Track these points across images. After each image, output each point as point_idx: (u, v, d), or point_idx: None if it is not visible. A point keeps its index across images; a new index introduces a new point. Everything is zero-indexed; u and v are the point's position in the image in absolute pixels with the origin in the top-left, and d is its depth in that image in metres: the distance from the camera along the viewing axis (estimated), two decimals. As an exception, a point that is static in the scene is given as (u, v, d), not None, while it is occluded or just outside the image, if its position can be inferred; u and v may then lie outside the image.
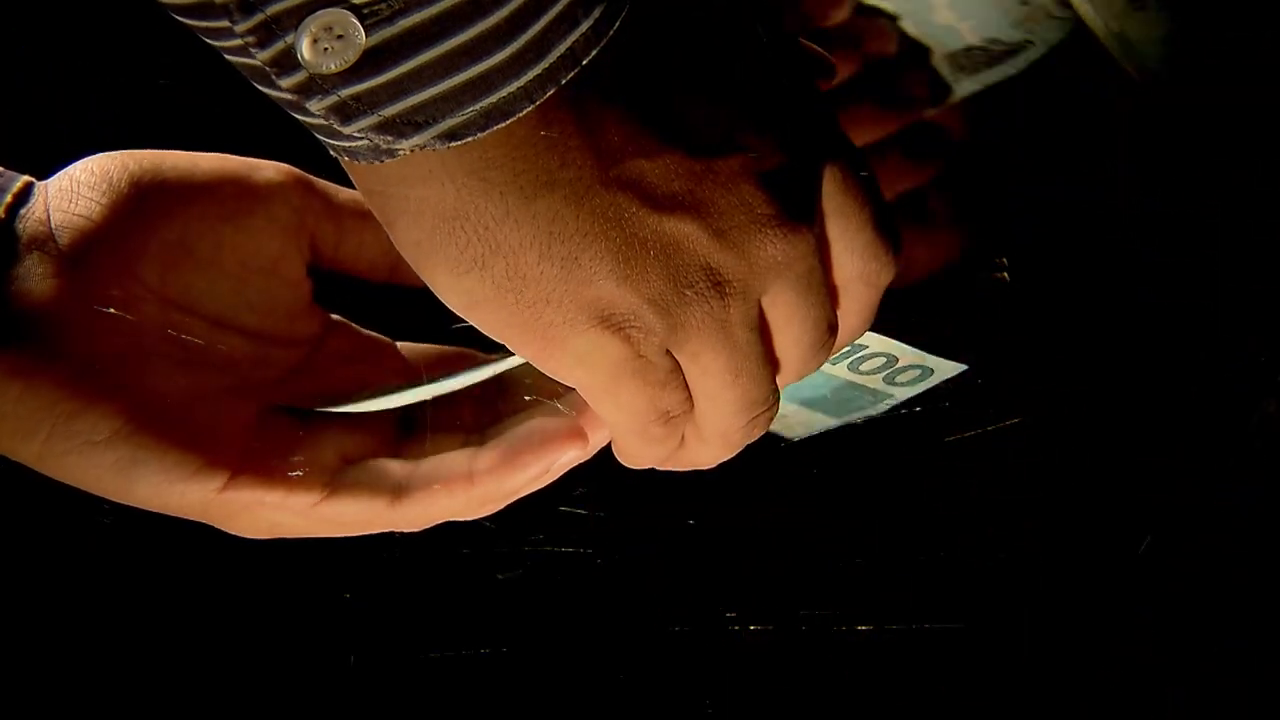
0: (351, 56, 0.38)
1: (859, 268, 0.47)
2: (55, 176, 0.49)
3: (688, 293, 0.44)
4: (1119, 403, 0.79)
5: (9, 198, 0.47)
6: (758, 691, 0.77)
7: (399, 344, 0.55)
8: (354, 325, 0.54)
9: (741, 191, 0.43)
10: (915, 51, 0.65)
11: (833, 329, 0.47)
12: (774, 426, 0.64)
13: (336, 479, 0.49)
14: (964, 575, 0.77)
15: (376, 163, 0.40)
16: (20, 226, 0.47)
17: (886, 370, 0.56)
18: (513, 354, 0.49)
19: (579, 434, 0.48)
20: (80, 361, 0.46)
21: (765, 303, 0.45)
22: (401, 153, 0.40)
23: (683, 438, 0.49)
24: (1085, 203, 0.78)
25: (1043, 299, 0.78)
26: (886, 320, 0.58)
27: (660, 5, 0.42)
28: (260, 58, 0.38)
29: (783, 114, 0.44)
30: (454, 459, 0.49)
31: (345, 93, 0.38)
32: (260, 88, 0.40)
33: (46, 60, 0.77)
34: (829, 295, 0.47)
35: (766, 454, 0.79)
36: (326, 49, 0.37)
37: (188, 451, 0.48)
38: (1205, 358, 0.78)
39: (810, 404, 0.65)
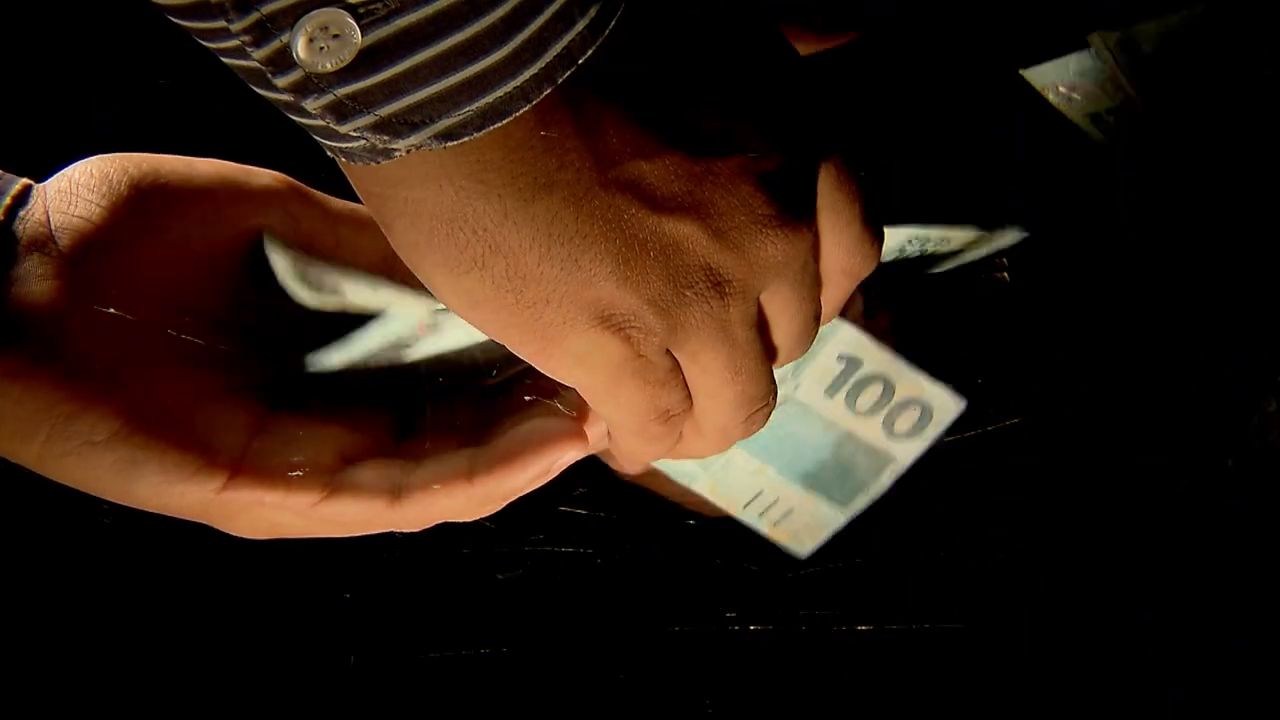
0: (347, 56, 0.38)
1: (844, 261, 0.47)
2: (53, 178, 0.49)
3: (688, 293, 0.44)
4: (1119, 403, 0.79)
5: (8, 200, 0.47)
6: (758, 691, 0.77)
7: None
8: None
9: (741, 191, 0.43)
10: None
11: (818, 318, 0.48)
12: (785, 541, 0.64)
13: (336, 479, 0.49)
14: (964, 575, 0.77)
15: (374, 163, 0.40)
16: (19, 228, 0.47)
17: (884, 409, 0.56)
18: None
19: (579, 434, 0.48)
20: (79, 363, 0.46)
21: (762, 299, 0.45)
22: (399, 153, 0.40)
23: (680, 433, 0.49)
24: (1085, 203, 0.78)
25: (1043, 299, 0.78)
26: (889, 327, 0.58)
27: (656, 5, 0.42)
28: (256, 57, 0.38)
29: (779, 112, 0.44)
30: (453, 460, 0.49)
31: (341, 92, 0.38)
32: (257, 89, 0.40)
33: (46, 60, 0.77)
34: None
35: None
36: (322, 48, 0.37)
37: (187, 452, 0.47)
38: (1205, 358, 0.78)
39: (814, 482, 0.65)
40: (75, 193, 0.48)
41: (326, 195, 0.52)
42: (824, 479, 0.62)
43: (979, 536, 0.78)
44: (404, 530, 0.50)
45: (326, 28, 0.37)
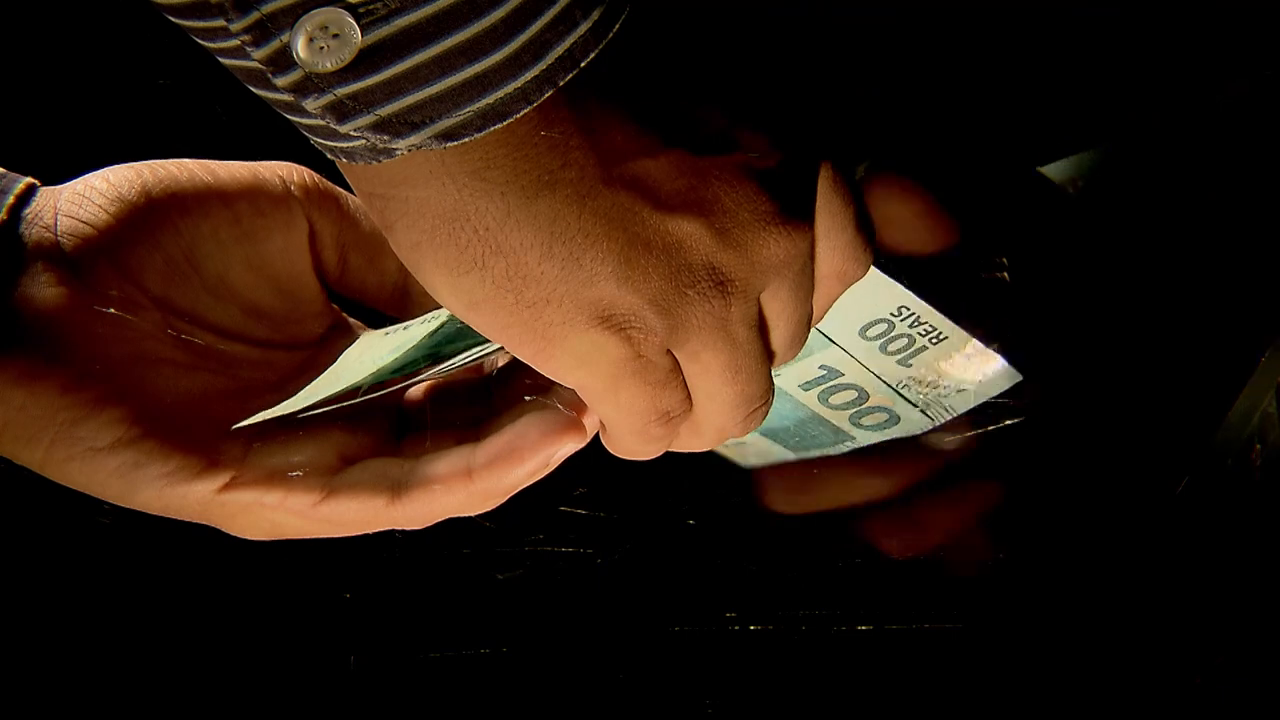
0: (347, 55, 0.38)
1: (838, 265, 0.47)
2: (71, 182, 0.49)
3: (689, 292, 0.44)
4: (1119, 403, 0.79)
5: (11, 199, 0.47)
6: (758, 691, 0.77)
7: None
8: (356, 323, 0.54)
9: (744, 190, 0.43)
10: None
11: (810, 321, 0.48)
12: (728, 453, 0.64)
13: (336, 479, 0.49)
14: (964, 575, 0.77)
15: (374, 163, 0.40)
16: (26, 231, 0.47)
17: (855, 409, 0.57)
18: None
19: (576, 426, 0.48)
20: (82, 368, 0.46)
21: (762, 299, 0.45)
22: (399, 152, 0.39)
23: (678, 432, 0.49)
24: (1085, 203, 0.78)
25: (1043, 299, 0.78)
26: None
27: (658, 7, 0.42)
28: (256, 57, 0.38)
29: (778, 114, 0.44)
30: (452, 456, 0.49)
31: (341, 91, 0.38)
32: (255, 90, 0.40)
33: (46, 61, 0.77)
34: None
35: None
36: (322, 48, 0.37)
37: (189, 455, 0.48)
38: (1206, 357, 0.78)
39: (772, 434, 0.65)
40: (87, 197, 0.48)
41: (360, 205, 0.52)
42: (782, 436, 0.62)
43: (979, 536, 0.78)
44: (405, 529, 0.50)
45: (326, 27, 0.37)
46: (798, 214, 0.44)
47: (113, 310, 0.47)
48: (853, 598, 0.77)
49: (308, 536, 0.50)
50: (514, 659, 0.77)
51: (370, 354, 0.47)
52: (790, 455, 0.60)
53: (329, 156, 0.41)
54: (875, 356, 0.54)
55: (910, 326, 0.53)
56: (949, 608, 0.77)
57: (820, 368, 0.53)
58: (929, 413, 0.56)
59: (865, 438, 0.58)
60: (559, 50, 0.39)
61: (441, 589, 0.78)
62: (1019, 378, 0.55)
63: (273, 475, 0.48)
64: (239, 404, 0.49)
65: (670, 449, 0.50)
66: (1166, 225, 0.78)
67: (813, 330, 0.48)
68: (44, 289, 0.46)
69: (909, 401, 0.56)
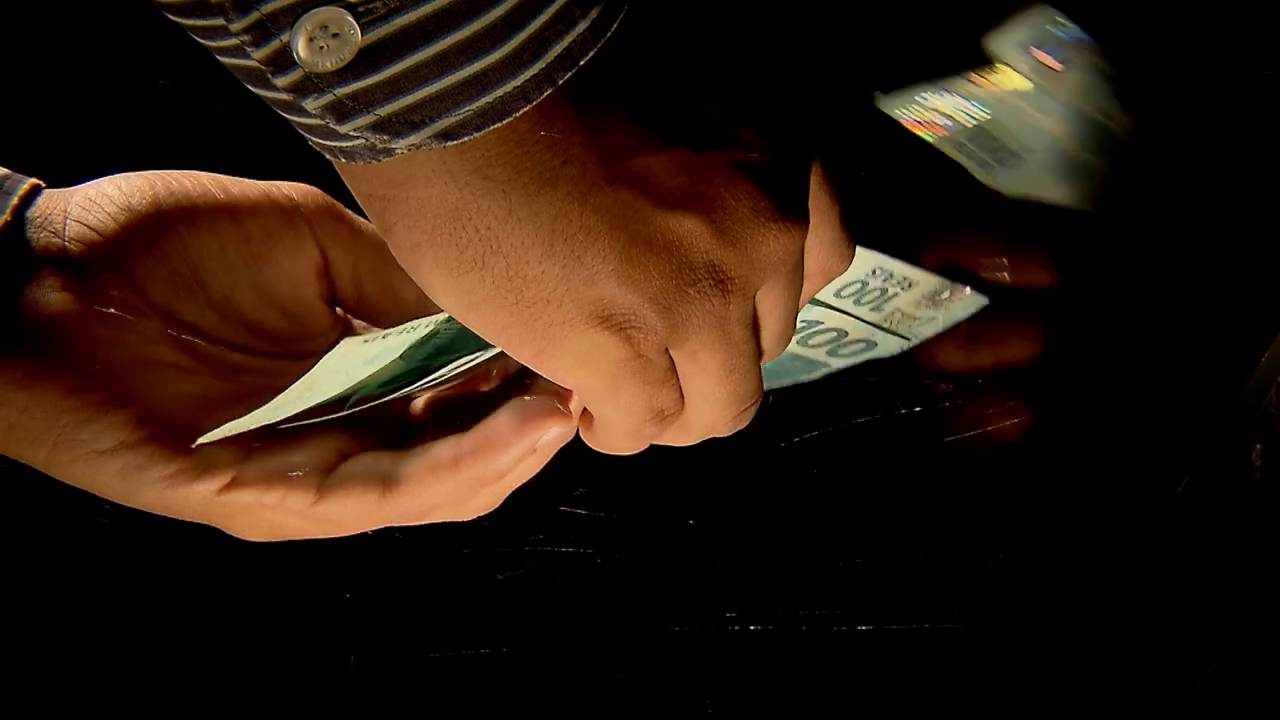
0: (347, 55, 0.37)
1: (822, 262, 0.47)
2: (83, 186, 0.49)
3: (690, 291, 0.44)
4: (1119, 403, 0.79)
5: (15, 199, 0.47)
6: (758, 691, 0.77)
7: None
8: (362, 324, 0.54)
9: (742, 187, 0.43)
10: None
11: (796, 318, 0.48)
12: None
13: (329, 477, 0.49)
14: (964, 575, 0.77)
15: (373, 162, 0.40)
16: (32, 234, 0.47)
17: (832, 344, 0.57)
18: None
19: (560, 413, 0.48)
20: (85, 372, 0.46)
21: (756, 297, 0.45)
22: (398, 152, 0.39)
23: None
24: (1085, 203, 0.78)
25: (1043, 298, 0.78)
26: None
27: (657, 6, 0.42)
28: (256, 57, 0.38)
29: (770, 110, 0.44)
30: (439, 446, 0.49)
31: (341, 91, 0.38)
32: (254, 89, 0.40)
33: (47, 61, 0.77)
34: None
35: (766, 454, 0.79)
36: (322, 47, 0.37)
37: (190, 457, 0.48)
38: (1206, 358, 0.78)
39: None
40: (98, 203, 0.48)
41: (373, 230, 0.52)
42: None
43: (979, 536, 0.78)
44: (402, 524, 0.50)
45: (326, 26, 0.37)
46: (794, 211, 0.44)
47: (114, 310, 0.47)
48: (853, 598, 0.77)
49: (308, 536, 0.50)
50: (514, 659, 0.77)
51: (346, 363, 0.47)
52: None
53: (327, 157, 0.41)
54: (849, 307, 0.55)
55: (883, 281, 0.53)
56: (949, 608, 0.77)
57: (801, 321, 0.53)
58: (904, 333, 0.57)
59: (840, 364, 0.58)
60: (558, 49, 0.39)
61: (441, 589, 0.78)
62: (984, 301, 0.55)
63: (272, 475, 0.48)
64: (242, 409, 0.49)
65: (663, 442, 0.50)
66: (1167, 225, 0.78)
67: None
68: (48, 292, 0.46)
69: (885, 331, 0.56)
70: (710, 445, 0.51)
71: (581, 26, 0.39)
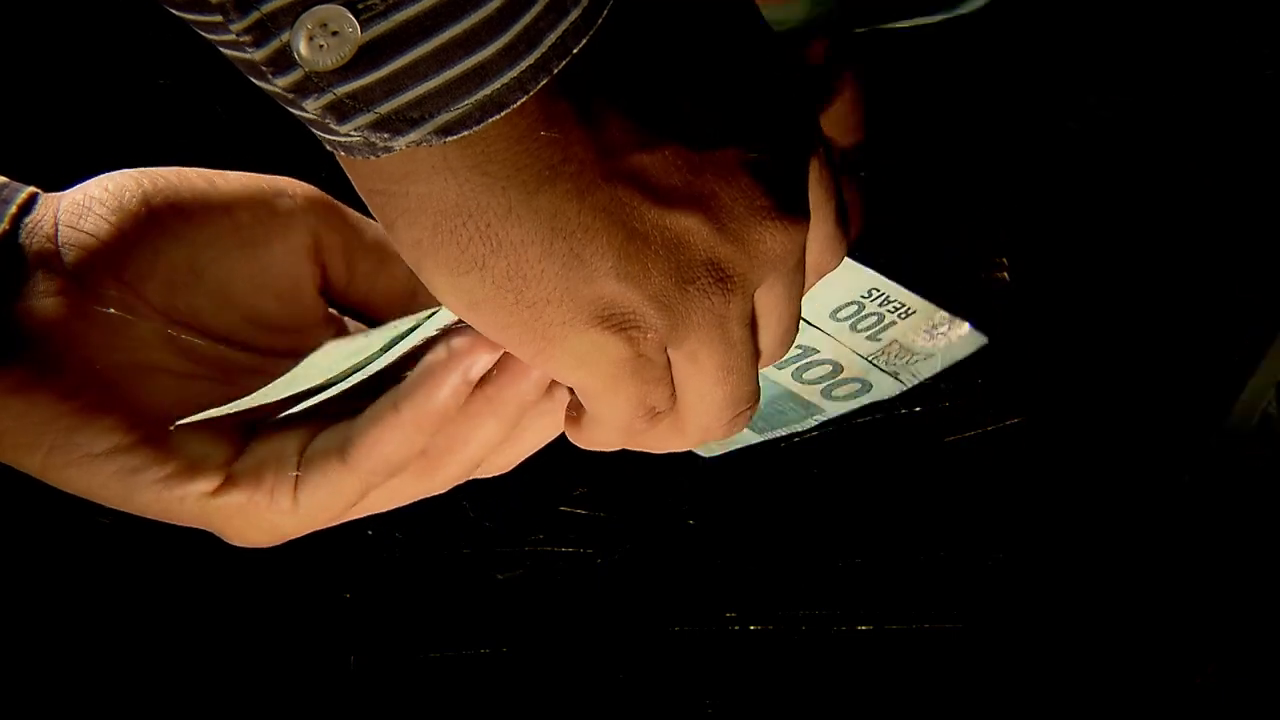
0: (347, 52, 0.37)
1: (815, 259, 0.47)
2: (70, 190, 0.49)
3: (690, 289, 0.43)
4: (1119, 403, 0.79)
5: (13, 208, 0.47)
6: (758, 691, 0.77)
7: None
8: (357, 326, 0.54)
9: (740, 183, 0.43)
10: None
11: (798, 322, 0.48)
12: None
13: (301, 464, 0.49)
14: (964, 575, 0.77)
15: (373, 157, 0.40)
16: (26, 241, 0.47)
17: (827, 382, 0.56)
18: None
19: (483, 342, 0.48)
20: (80, 377, 0.46)
21: (756, 296, 0.45)
22: (398, 149, 0.39)
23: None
24: (1085, 204, 0.78)
25: (1043, 299, 0.78)
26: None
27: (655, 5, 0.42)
28: (256, 57, 0.38)
29: (769, 106, 0.44)
30: (382, 398, 0.48)
31: (341, 90, 0.38)
32: (255, 81, 0.40)
33: (47, 61, 0.77)
34: None
35: (766, 454, 0.79)
36: (322, 45, 0.37)
37: (186, 457, 0.48)
38: (1206, 359, 0.78)
39: None
40: (88, 206, 0.48)
41: (363, 219, 0.52)
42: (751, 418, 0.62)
43: (979, 536, 0.78)
44: (376, 505, 0.50)
45: (326, 24, 0.37)
46: (794, 208, 0.44)
47: (114, 311, 0.47)
48: (853, 598, 0.77)
49: (304, 532, 0.50)
50: (514, 659, 0.77)
51: (329, 359, 0.47)
52: (755, 438, 0.60)
53: (328, 149, 0.41)
54: (845, 334, 0.54)
55: (880, 305, 0.53)
56: (949, 608, 0.77)
57: (797, 347, 0.53)
58: (900, 378, 0.57)
59: (835, 409, 0.58)
60: (551, 38, 0.39)
61: (441, 589, 0.78)
62: (984, 340, 0.55)
63: (262, 474, 0.48)
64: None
65: (649, 449, 0.50)
66: (1167, 225, 0.78)
67: None
68: (43, 298, 0.46)
69: (881, 370, 0.56)
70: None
71: (573, 15, 0.39)
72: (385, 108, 0.39)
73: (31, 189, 0.48)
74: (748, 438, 0.62)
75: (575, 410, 0.49)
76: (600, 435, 0.49)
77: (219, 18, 0.38)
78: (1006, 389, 0.78)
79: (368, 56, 0.38)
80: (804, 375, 0.56)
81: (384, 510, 0.52)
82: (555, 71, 0.39)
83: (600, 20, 0.40)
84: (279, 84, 0.38)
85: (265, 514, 0.49)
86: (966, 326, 0.55)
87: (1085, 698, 0.76)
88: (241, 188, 0.50)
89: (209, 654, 0.77)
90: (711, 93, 0.44)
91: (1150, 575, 0.77)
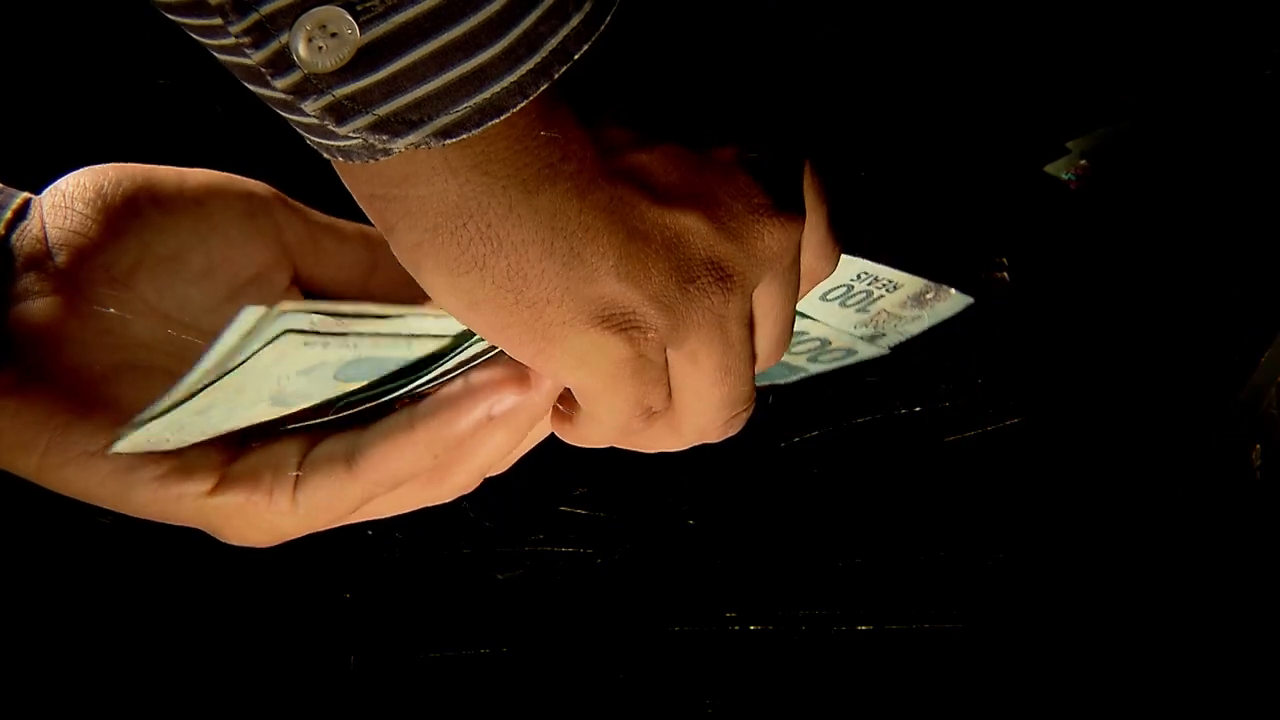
0: (346, 54, 0.38)
1: (810, 263, 0.47)
2: (46, 191, 0.49)
3: (690, 288, 0.44)
4: (1118, 403, 0.79)
5: (9, 214, 0.47)
6: (758, 691, 0.77)
7: None
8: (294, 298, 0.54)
9: (738, 182, 0.43)
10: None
11: (793, 324, 0.48)
12: None
13: (303, 465, 0.49)
14: (964, 575, 0.77)
15: (371, 161, 0.40)
16: (18, 244, 0.47)
17: (813, 352, 0.57)
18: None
19: (519, 378, 0.47)
20: (74, 376, 0.46)
21: (754, 296, 0.45)
22: (397, 151, 0.39)
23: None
24: (1084, 203, 0.78)
25: (1043, 299, 0.78)
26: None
27: (649, 5, 0.42)
28: (255, 58, 0.38)
29: (764, 108, 0.45)
30: (398, 414, 0.48)
31: (340, 92, 0.38)
32: (252, 88, 0.40)
33: (47, 60, 0.77)
34: None
35: (766, 454, 0.79)
36: (321, 47, 0.37)
37: (180, 457, 0.48)
38: (1205, 359, 0.78)
39: None
40: (70, 206, 0.48)
41: (308, 208, 0.52)
42: None
43: (979, 536, 0.78)
44: (379, 509, 0.50)
45: (325, 26, 0.37)
46: (790, 206, 0.44)
47: (108, 309, 0.47)
48: (853, 598, 0.77)
49: (302, 533, 0.50)
50: (514, 659, 0.77)
51: (284, 367, 0.46)
52: None
53: (324, 156, 0.41)
54: (834, 313, 0.55)
55: (868, 285, 0.53)
56: (949, 608, 0.77)
57: None
58: (885, 342, 0.57)
59: (819, 369, 0.58)
60: (552, 43, 0.39)
61: (441, 589, 0.78)
62: (970, 300, 0.55)
63: (259, 474, 0.48)
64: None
65: (642, 449, 0.50)
66: (1167, 225, 0.78)
67: None
68: (35, 300, 0.46)
69: (867, 342, 0.56)
70: (710, 445, 0.50)
71: (575, 20, 0.39)
72: (384, 109, 0.39)
73: (26, 195, 0.48)
74: None
75: (567, 408, 0.49)
76: (595, 434, 0.49)
77: (218, 20, 0.38)
78: (1006, 389, 0.78)
79: (367, 58, 0.38)
80: (792, 349, 0.56)
81: (389, 515, 0.52)
82: (556, 76, 0.39)
83: (603, 27, 0.40)
84: (278, 86, 0.38)
85: (264, 514, 0.49)
86: (952, 291, 0.55)
87: (1085, 698, 0.76)
88: (207, 181, 0.51)
89: (209, 654, 0.77)
90: (709, 95, 0.44)
91: (1150, 575, 0.77)
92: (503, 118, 0.39)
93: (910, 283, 0.54)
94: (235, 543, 0.50)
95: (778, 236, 0.44)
